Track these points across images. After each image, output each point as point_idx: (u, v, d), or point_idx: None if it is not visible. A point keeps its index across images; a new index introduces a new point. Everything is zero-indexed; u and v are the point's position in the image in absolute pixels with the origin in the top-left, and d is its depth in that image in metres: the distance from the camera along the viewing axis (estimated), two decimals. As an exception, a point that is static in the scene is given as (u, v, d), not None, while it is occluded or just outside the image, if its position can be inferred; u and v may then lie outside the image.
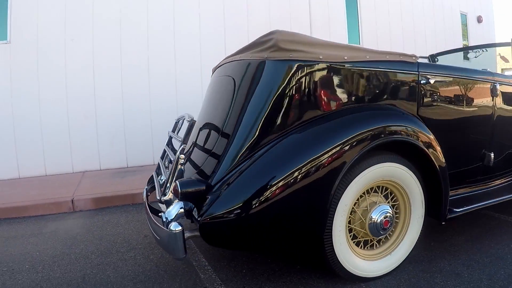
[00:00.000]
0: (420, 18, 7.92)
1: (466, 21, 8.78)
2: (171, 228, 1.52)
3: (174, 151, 2.60)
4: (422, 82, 2.02)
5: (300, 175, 1.55)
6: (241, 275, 2.01)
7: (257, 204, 1.52)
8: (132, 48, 5.07)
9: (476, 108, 2.37)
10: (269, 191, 1.52)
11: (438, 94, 2.12)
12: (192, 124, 2.23)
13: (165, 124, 4.92)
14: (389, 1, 7.45)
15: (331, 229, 1.67)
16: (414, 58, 2.02)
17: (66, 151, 4.86)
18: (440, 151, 1.94)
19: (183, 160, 1.79)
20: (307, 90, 1.73)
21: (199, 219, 1.56)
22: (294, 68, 1.70)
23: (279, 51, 1.71)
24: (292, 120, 1.69)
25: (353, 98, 1.82)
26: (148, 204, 2.08)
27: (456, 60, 4.27)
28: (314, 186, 1.57)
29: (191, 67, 5.43)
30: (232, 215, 1.53)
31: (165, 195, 1.80)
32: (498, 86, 2.49)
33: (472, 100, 2.34)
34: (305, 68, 1.71)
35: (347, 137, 1.62)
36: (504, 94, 2.60)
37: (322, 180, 1.58)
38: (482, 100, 2.42)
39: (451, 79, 2.20)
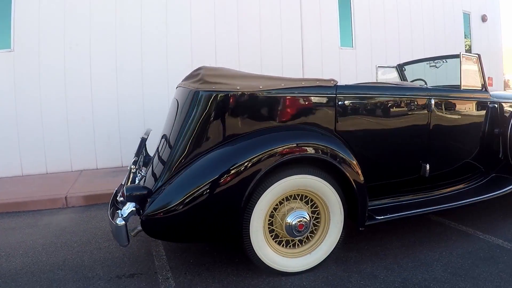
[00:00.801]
0: (418, 18, 8.18)
1: (469, 20, 8.96)
2: (117, 222, 2.09)
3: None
4: (339, 103, 2.50)
5: (217, 184, 2.08)
6: (188, 264, 2.58)
7: (184, 205, 2.07)
8: (127, 54, 5.69)
9: (406, 123, 2.81)
10: (192, 195, 2.07)
11: (357, 112, 2.59)
12: (142, 140, 2.79)
13: (157, 125, 5.53)
14: (384, 1, 7.74)
15: (249, 229, 2.20)
16: (332, 82, 2.50)
17: (65, 151, 5.55)
18: (356, 165, 2.40)
19: (134, 170, 2.36)
20: (227, 114, 2.27)
21: (141, 217, 2.12)
22: (217, 97, 2.25)
23: (205, 83, 2.26)
24: (216, 139, 2.24)
25: (269, 120, 2.34)
26: (115, 203, 2.66)
27: (424, 70, 4.62)
28: (229, 192, 2.10)
29: (183, 71, 6.00)
30: (165, 214, 2.08)
31: (121, 197, 2.37)
32: (433, 101, 2.92)
33: (400, 115, 2.79)
34: (226, 97, 2.25)
35: (258, 153, 2.13)
36: (441, 108, 3.02)
37: (236, 188, 2.10)
38: (413, 114, 2.85)
39: (371, 98, 2.66)
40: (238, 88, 2.25)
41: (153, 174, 2.47)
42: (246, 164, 2.12)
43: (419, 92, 2.92)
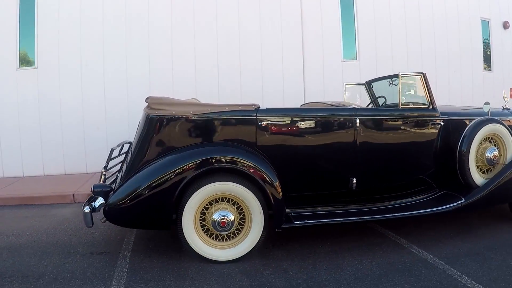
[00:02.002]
0: (429, 28, 8.54)
1: (488, 28, 9.17)
2: (84, 209, 3.10)
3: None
4: (259, 123, 3.33)
5: (155, 185, 3.03)
6: (146, 249, 3.54)
7: (131, 200, 3.04)
8: (136, 70, 6.88)
9: (329, 140, 3.50)
10: (137, 192, 3.03)
11: (277, 131, 3.39)
12: (111, 151, 3.80)
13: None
14: (391, 11, 8.25)
15: (181, 221, 3.11)
16: (253, 106, 3.35)
17: (81, 155, 6.83)
18: (269, 175, 3.19)
19: (105, 173, 3.38)
20: (167, 133, 3.22)
21: (104, 207, 3.13)
22: (160, 120, 3.21)
23: (151, 109, 3.23)
24: (159, 151, 3.19)
25: (199, 137, 3.25)
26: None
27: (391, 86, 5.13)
28: (163, 191, 3.03)
29: (186, 83, 7.11)
30: (119, 206, 3.06)
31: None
32: (358, 120, 3.55)
33: (322, 133, 3.49)
34: (165, 120, 3.21)
35: (187, 163, 3.04)
36: (370, 127, 3.62)
37: (168, 188, 3.02)
38: (338, 133, 3.53)
39: (291, 119, 3.44)
40: (174, 113, 3.21)
41: (120, 176, 3.49)
42: (177, 171, 3.05)
43: (344, 112, 3.61)
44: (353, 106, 3.90)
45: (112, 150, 3.60)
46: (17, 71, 6.59)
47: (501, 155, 4.04)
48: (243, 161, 3.16)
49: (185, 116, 3.24)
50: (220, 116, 3.30)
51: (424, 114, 3.91)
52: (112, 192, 3.20)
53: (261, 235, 3.24)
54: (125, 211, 3.10)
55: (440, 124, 3.94)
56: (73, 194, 5.42)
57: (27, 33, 6.48)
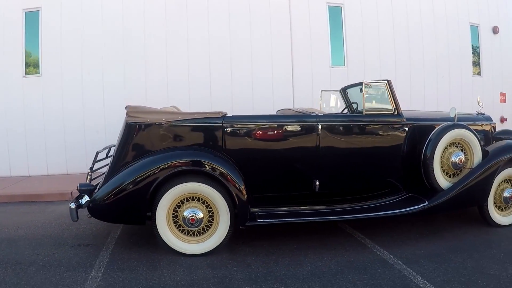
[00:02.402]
0: (417, 34, 8.80)
1: (478, 33, 9.38)
2: (70, 205, 3.56)
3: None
4: (225, 130, 3.74)
5: (131, 184, 3.47)
6: (128, 242, 3.99)
7: (110, 198, 3.49)
8: (134, 80, 7.38)
9: (293, 144, 3.86)
10: (116, 191, 3.48)
11: (242, 136, 3.79)
12: (97, 154, 4.25)
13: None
14: (379, 17, 8.54)
15: (155, 219, 3.54)
16: (220, 114, 3.77)
17: (82, 155, 7.34)
18: (233, 177, 3.59)
19: (91, 173, 3.84)
20: (143, 138, 3.67)
21: (88, 204, 3.58)
22: (136, 127, 3.66)
23: (129, 117, 3.67)
24: (136, 154, 3.64)
25: (171, 142, 3.68)
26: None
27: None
28: (138, 190, 3.47)
29: (180, 91, 7.57)
30: (100, 203, 3.52)
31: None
32: (320, 126, 3.88)
33: (286, 138, 3.86)
34: (141, 126, 3.66)
35: (158, 165, 3.48)
36: (332, 133, 3.94)
37: (143, 187, 3.47)
38: (301, 138, 3.88)
39: (256, 125, 3.82)
40: (149, 120, 3.66)
41: (104, 176, 3.95)
42: (149, 172, 3.49)
43: (307, 118, 3.97)
44: (316, 113, 4.22)
45: (97, 153, 4.07)
46: (23, 78, 7.17)
47: (469, 159, 4.25)
48: (210, 164, 3.57)
49: (158, 123, 3.69)
50: (190, 123, 3.74)
51: (389, 120, 4.19)
52: (95, 191, 3.66)
53: (228, 231, 3.63)
54: (106, 208, 3.56)
55: (405, 129, 4.20)
56: (71, 192, 5.92)
57: (32, 44, 7.07)
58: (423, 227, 4.36)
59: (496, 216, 4.34)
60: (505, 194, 4.32)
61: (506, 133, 5.19)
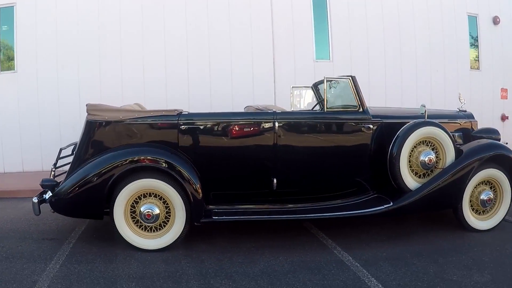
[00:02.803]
0: (409, 25, 9.08)
1: (476, 24, 9.62)
2: (33, 200, 4.07)
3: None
4: (180, 127, 4.18)
5: (88, 181, 3.95)
6: (90, 237, 4.51)
7: (69, 193, 3.99)
8: (108, 77, 7.89)
9: (249, 142, 4.26)
10: (74, 187, 3.97)
11: (197, 134, 4.21)
12: (60, 151, 4.73)
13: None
14: (367, 8, 8.81)
15: (113, 214, 4.02)
16: (175, 111, 4.21)
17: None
18: (188, 174, 4.00)
19: (54, 170, 4.34)
20: (102, 136, 4.16)
21: (50, 199, 4.08)
22: (96, 124, 4.15)
23: (89, 115, 4.16)
24: (96, 151, 4.12)
25: (129, 139, 4.14)
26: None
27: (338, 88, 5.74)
28: (95, 186, 3.95)
29: (157, 88, 8.05)
30: (60, 198, 4.02)
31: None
32: (277, 124, 4.20)
33: (241, 136, 4.26)
34: (101, 124, 4.14)
35: (115, 161, 3.95)
36: (290, 130, 4.25)
37: (100, 183, 3.95)
38: (257, 135, 4.26)
39: (211, 123, 4.24)
40: (107, 118, 4.15)
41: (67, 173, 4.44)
42: (106, 168, 3.96)
43: (264, 116, 4.35)
44: (274, 110, 4.58)
45: (61, 150, 4.56)
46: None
47: (441, 159, 4.40)
48: (165, 161, 4.02)
49: (116, 121, 4.17)
50: (146, 120, 4.21)
51: (353, 117, 4.45)
52: (57, 186, 4.16)
53: (184, 228, 4.06)
54: (66, 203, 4.06)
55: (370, 127, 4.44)
56: (45, 190, 6.46)
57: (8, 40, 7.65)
58: (393, 229, 4.62)
59: (473, 220, 4.45)
60: (483, 197, 4.41)
61: (486, 131, 5.20)
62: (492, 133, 5.15)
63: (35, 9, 7.61)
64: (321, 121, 4.44)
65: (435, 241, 4.27)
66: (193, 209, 4.03)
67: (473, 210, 4.49)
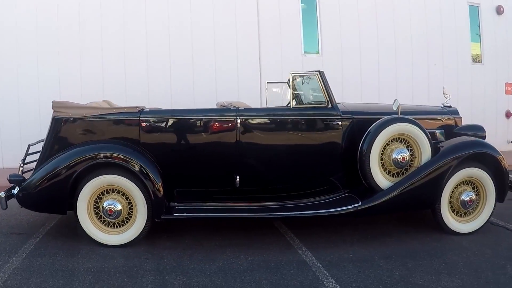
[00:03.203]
0: (404, 17, 9.31)
1: (478, 14, 9.80)
2: (0, 195, 4.54)
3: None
4: (142, 124, 4.61)
5: (52, 176, 4.41)
6: (57, 233, 5.00)
7: (34, 189, 4.45)
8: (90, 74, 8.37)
9: (211, 139, 4.63)
10: (39, 183, 4.44)
11: (159, 130, 4.64)
12: (29, 147, 5.18)
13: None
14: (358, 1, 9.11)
15: (77, 209, 4.47)
16: (137, 108, 4.65)
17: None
18: (150, 171, 4.40)
19: (22, 166, 4.81)
20: (66, 132, 4.63)
21: (17, 194, 4.56)
22: (61, 121, 4.61)
23: (55, 112, 4.63)
24: (61, 147, 4.57)
25: (92, 136, 4.60)
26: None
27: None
28: (58, 183, 4.40)
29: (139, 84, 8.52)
30: (25, 193, 4.50)
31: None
32: (239, 121, 4.55)
33: (203, 132, 4.64)
34: (65, 121, 4.61)
35: (77, 157, 4.40)
36: (253, 127, 4.59)
37: (62, 180, 4.40)
38: (219, 132, 4.64)
39: (173, 119, 4.65)
40: (71, 115, 4.62)
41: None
42: (69, 165, 4.41)
43: (226, 113, 4.73)
44: (237, 107, 4.93)
45: (29, 146, 5.05)
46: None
47: (416, 157, 4.55)
48: (125, 157, 4.45)
49: (79, 118, 4.64)
50: (109, 117, 4.67)
51: (320, 113, 4.73)
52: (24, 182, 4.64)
53: (145, 224, 4.48)
54: (31, 198, 4.55)
55: (339, 123, 4.72)
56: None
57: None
58: (367, 230, 4.87)
59: (452, 222, 4.58)
60: (463, 198, 4.52)
61: (471, 128, 5.24)
62: (476, 130, 5.19)
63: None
64: (286, 118, 4.74)
65: (409, 243, 4.47)
66: (154, 206, 4.43)
67: (453, 211, 4.61)
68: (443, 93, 5.52)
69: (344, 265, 3.93)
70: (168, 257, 4.25)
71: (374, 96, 8.69)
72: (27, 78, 8.32)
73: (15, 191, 4.65)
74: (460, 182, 4.60)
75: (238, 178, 4.60)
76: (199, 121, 4.73)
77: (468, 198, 4.53)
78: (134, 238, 4.51)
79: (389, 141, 4.54)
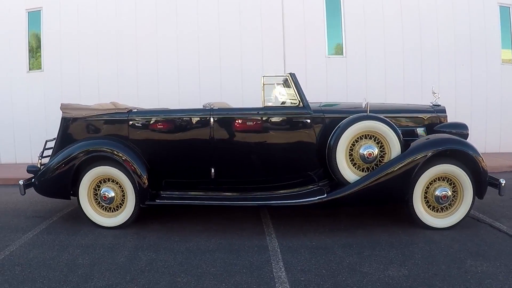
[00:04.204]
0: (431, 19, 9.24)
1: (510, 16, 9.47)
2: (19, 182, 5.38)
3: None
4: (130, 122, 5.25)
5: (59, 166, 5.16)
6: (70, 216, 5.75)
7: (45, 177, 5.25)
8: (125, 73, 9.29)
9: (189, 136, 5.14)
10: (48, 172, 5.22)
11: (145, 128, 5.26)
12: (46, 142, 5.96)
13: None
14: (383, 2, 9.17)
15: (78, 195, 5.19)
16: (125, 109, 5.31)
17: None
18: (134, 163, 5.01)
19: (41, 159, 5.64)
20: (72, 130, 5.39)
21: (34, 182, 5.39)
22: (66, 121, 5.40)
23: (63, 113, 5.42)
24: (67, 142, 5.34)
25: (91, 133, 5.34)
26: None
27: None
28: (64, 171, 5.14)
29: (170, 83, 9.29)
30: (39, 181, 5.31)
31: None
32: (212, 119, 5.07)
33: (183, 130, 5.17)
34: (71, 120, 5.38)
35: (78, 151, 5.12)
36: (226, 125, 5.08)
37: (67, 168, 5.13)
38: (196, 130, 5.15)
39: (157, 119, 5.27)
40: (74, 115, 5.37)
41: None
42: (71, 157, 5.14)
43: (201, 112, 5.24)
44: (213, 106, 5.37)
45: (46, 142, 5.87)
46: (27, 74, 9.53)
47: (386, 153, 4.76)
48: (116, 152, 5.11)
49: (80, 118, 5.40)
50: (102, 117, 5.39)
51: (291, 112, 5.12)
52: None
53: (134, 209, 5.11)
54: (43, 185, 5.35)
55: (308, 121, 5.08)
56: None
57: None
58: (345, 221, 5.15)
59: (426, 216, 4.72)
60: (437, 193, 4.66)
61: (454, 126, 5.33)
62: (459, 127, 5.27)
63: (59, 13, 9.23)
64: (257, 117, 5.18)
65: (379, 235, 4.64)
66: (139, 193, 5.07)
67: (429, 206, 4.74)
68: (432, 92, 5.59)
69: (301, 251, 4.22)
70: (150, 238, 4.81)
71: (399, 98, 8.67)
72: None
73: (33, 180, 5.45)
74: (436, 178, 4.72)
75: (213, 171, 5.16)
76: (178, 120, 5.30)
77: (442, 194, 4.65)
78: (125, 221, 5.16)
79: (358, 138, 4.81)
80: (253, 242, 4.57)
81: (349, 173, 4.79)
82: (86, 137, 5.39)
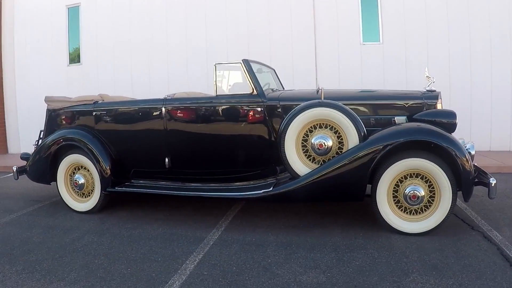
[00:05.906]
0: (482, 8, 8.31)
1: None
2: (13, 168, 5.99)
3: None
4: (94, 113, 5.50)
5: (38, 155, 5.75)
6: (47, 202, 6.34)
7: (31, 164, 5.86)
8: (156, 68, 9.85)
9: (145, 126, 5.29)
10: (33, 159, 5.83)
11: (107, 119, 5.49)
12: (40, 132, 6.47)
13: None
14: None
15: (57, 181, 5.64)
16: (92, 100, 5.61)
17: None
18: (97, 151, 5.30)
19: (35, 147, 6.24)
20: (52, 121, 5.85)
21: (26, 168, 6.03)
22: (48, 112, 5.89)
23: (48, 105, 5.89)
24: (50, 130, 5.85)
25: (66, 123, 5.77)
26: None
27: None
28: (42, 160, 5.69)
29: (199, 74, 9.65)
30: (29, 167, 5.91)
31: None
32: (164, 109, 5.12)
33: (139, 120, 5.33)
34: (50, 112, 5.87)
35: (55, 138, 5.56)
36: (174, 115, 5.14)
37: (44, 158, 5.69)
38: (150, 120, 5.26)
39: (118, 110, 5.47)
40: (53, 107, 5.81)
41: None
42: (46, 145, 5.63)
43: (154, 103, 5.30)
44: (169, 96, 5.39)
45: (41, 131, 6.48)
46: (67, 67, 10.50)
47: (344, 145, 4.35)
48: (81, 141, 5.48)
49: (57, 109, 5.87)
50: (74, 108, 5.78)
51: (244, 100, 4.92)
52: (30, 159, 6.07)
53: (100, 195, 5.42)
54: (30, 171, 5.93)
55: (262, 109, 4.88)
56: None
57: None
58: (314, 219, 4.92)
59: (393, 218, 4.24)
60: (406, 192, 4.16)
61: (434, 114, 4.69)
62: (441, 116, 4.62)
63: (96, 8, 10.03)
64: (210, 106, 5.08)
65: (332, 236, 4.33)
66: (102, 181, 5.39)
67: (400, 208, 4.26)
68: (426, 76, 4.94)
69: (233, 246, 4.15)
70: (107, 223, 5.16)
71: (444, 87, 8.00)
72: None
73: (26, 166, 6.08)
74: (408, 175, 4.18)
75: (167, 160, 5.28)
76: (137, 111, 5.48)
77: (411, 192, 4.12)
78: (93, 207, 5.55)
79: (313, 127, 4.45)
80: (195, 233, 4.59)
81: (300, 166, 4.44)
82: (63, 127, 5.84)
